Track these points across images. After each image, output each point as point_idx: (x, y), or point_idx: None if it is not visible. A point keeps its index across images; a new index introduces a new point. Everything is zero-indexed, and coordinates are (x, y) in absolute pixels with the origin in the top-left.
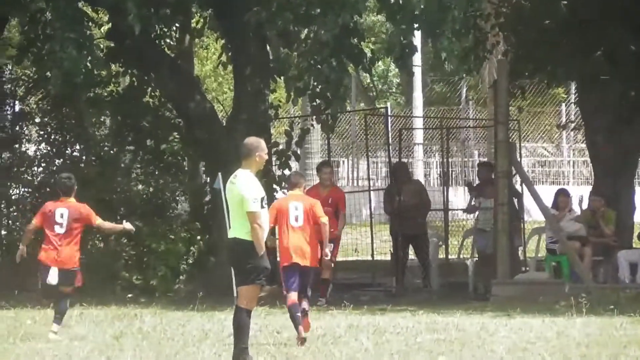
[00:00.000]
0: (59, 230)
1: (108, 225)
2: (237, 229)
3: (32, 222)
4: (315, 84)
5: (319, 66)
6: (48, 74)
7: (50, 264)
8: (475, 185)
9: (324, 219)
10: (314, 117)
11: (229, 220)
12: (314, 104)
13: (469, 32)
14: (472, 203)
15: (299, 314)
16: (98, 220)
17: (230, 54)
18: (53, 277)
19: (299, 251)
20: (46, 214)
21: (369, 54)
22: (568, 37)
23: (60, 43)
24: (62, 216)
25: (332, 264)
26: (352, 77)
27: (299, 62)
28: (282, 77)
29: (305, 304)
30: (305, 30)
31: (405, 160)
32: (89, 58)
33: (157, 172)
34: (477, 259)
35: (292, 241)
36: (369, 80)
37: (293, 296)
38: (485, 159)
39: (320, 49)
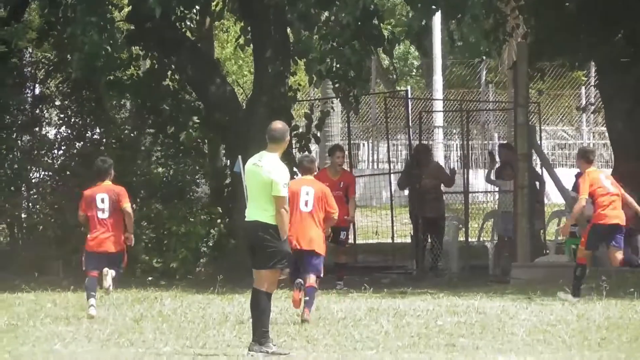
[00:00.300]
0: (102, 215)
1: (130, 218)
2: (258, 212)
3: (80, 214)
4: (337, 66)
5: (341, 48)
6: (69, 57)
7: (96, 250)
8: (496, 165)
9: (335, 214)
10: (338, 99)
11: (248, 200)
12: (337, 86)
13: (490, 16)
14: (492, 177)
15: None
16: (126, 204)
17: (249, 36)
18: (107, 280)
19: (306, 236)
20: (87, 201)
21: (388, 37)
22: (588, 19)
23: (81, 27)
24: (102, 201)
25: (347, 248)
26: (372, 59)
27: (320, 45)
28: (303, 60)
29: (306, 280)
30: (326, 13)
31: (425, 142)
32: (110, 42)
33: (177, 155)
34: (496, 241)
35: (299, 226)
36: (388, 63)
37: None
38: (505, 142)
39: (341, 31)
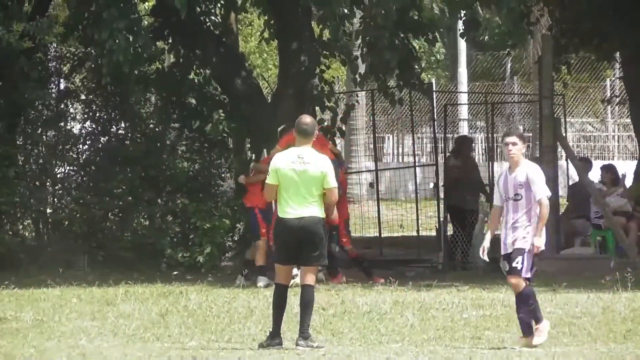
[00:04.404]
0: None
1: None
2: (310, 208)
3: None
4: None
5: (380, 47)
6: (93, 51)
7: None
8: None
9: None
10: (381, 93)
11: (289, 199)
12: (380, 82)
13: (519, 5)
14: None
15: None
16: None
17: (272, 30)
18: None
19: None
20: None
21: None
22: (615, 7)
23: (109, 32)
24: None
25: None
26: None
27: (358, 45)
28: (337, 55)
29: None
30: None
31: (450, 135)
32: (137, 41)
33: (202, 149)
34: None
35: None
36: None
37: None
38: (530, 134)
39: (379, 31)
